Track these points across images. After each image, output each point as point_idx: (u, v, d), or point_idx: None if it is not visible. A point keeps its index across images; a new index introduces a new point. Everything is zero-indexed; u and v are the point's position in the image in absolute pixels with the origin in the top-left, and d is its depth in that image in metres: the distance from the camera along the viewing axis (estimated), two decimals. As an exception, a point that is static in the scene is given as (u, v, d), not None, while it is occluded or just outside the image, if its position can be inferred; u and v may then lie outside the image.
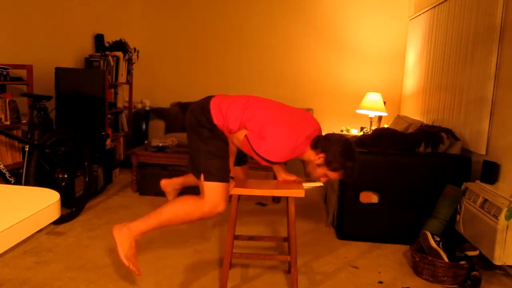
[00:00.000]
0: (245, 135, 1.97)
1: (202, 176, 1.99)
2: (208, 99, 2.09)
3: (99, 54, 4.40)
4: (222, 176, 1.98)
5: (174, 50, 5.66)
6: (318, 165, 1.99)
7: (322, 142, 1.97)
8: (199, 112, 2.06)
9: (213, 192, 1.96)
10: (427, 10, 4.39)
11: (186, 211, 1.96)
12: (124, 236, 1.95)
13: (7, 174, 2.78)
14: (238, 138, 2.02)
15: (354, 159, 1.96)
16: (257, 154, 1.94)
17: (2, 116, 3.10)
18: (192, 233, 3.06)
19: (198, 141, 2.05)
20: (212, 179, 1.97)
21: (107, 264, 2.50)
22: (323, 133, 2.08)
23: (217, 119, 2.02)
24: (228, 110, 2.01)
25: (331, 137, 1.98)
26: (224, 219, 3.38)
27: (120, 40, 4.70)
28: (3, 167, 2.77)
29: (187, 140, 2.14)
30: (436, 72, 4.07)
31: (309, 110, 5.21)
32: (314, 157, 1.99)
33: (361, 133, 4.78)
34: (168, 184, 2.44)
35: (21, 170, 2.86)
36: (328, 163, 1.96)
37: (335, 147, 1.94)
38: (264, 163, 1.98)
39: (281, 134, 1.92)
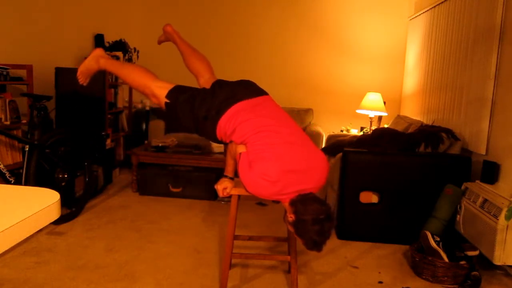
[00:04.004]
0: (240, 153, 1.95)
1: (169, 91, 2.14)
2: (237, 99, 2.03)
3: (99, 54, 4.39)
4: (174, 101, 2.12)
5: (174, 50, 5.64)
6: (288, 222, 1.91)
7: (299, 206, 1.83)
8: (221, 103, 2.03)
9: (161, 94, 2.14)
10: (427, 10, 4.39)
11: (137, 80, 2.20)
12: (93, 60, 2.31)
13: (7, 174, 2.78)
14: (236, 149, 2.01)
15: (321, 235, 1.80)
16: (238, 175, 1.94)
17: (2, 116, 3.10)
18: (192, 233, 3.06)
19: (199, 101, 2.09)
20: (169, 96, 2.12)
21: (107, 264, 2.50)
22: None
23: (223, 121, 2.01)
24: (240, 124, 1.97)
25: (310, 204, 1.82)
26: (224, 219, 3.38)
27: (120, 40, 4.71)
28: (3, 167, 2.77)
29: (209, 87, 2.18)
30: (436, 72, 4.07)
31: (309, 110, 5.21)
32: (288, 213, 1.89)
33: (361, 133, 4.77)
34: (172, 32, 2.48)
35: (21, 170, 2.87)
36: (294, 226, 1.85)
37: (306, 217, 1.78)
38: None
39: (267, 176, 1.83)
